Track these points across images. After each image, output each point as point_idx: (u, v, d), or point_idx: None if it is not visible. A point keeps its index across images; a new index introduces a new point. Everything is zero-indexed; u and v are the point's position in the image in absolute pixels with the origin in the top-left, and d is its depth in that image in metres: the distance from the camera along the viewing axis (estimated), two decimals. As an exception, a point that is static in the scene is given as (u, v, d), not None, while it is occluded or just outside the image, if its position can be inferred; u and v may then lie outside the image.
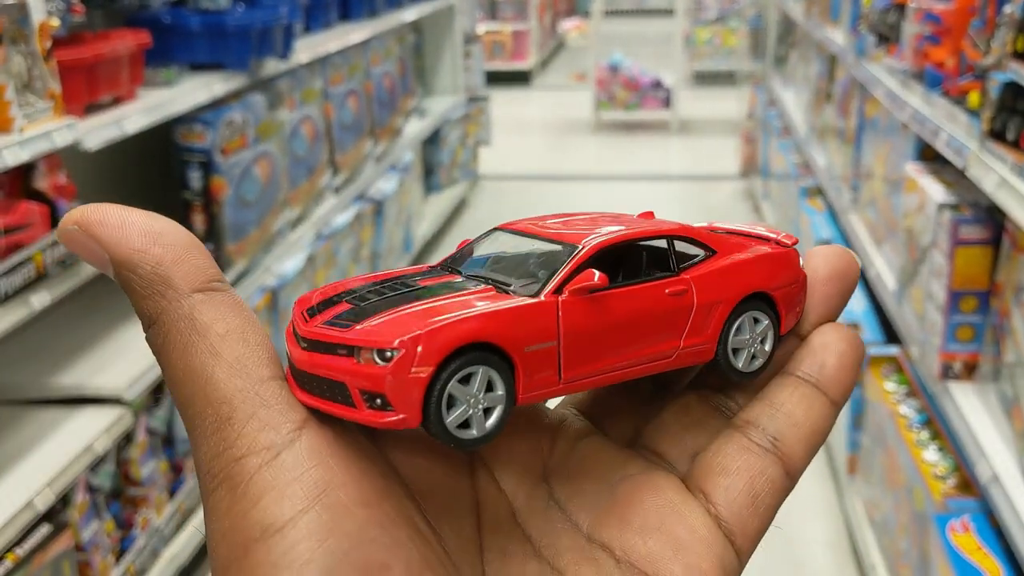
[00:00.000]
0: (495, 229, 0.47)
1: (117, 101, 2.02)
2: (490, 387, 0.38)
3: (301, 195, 2.96)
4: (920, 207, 2.02)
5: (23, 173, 1.74)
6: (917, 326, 2.06)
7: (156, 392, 2.11)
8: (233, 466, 0.36)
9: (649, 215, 0.48)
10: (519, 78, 9.74)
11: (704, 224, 0.49)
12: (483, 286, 0.41)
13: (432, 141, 4.94)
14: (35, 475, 1.66)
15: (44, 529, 1.66)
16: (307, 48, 2.92)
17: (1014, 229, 1.69)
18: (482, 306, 0.38)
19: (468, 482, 0.43)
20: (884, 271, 2.48)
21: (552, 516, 0.43)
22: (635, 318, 0.42)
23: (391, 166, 4.01)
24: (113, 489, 1.95)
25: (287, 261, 2.79)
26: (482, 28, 8.77)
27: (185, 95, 2.19)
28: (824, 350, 0.45)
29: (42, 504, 1.63)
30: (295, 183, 2.90)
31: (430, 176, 5.01)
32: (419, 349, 0.36)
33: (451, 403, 0.37)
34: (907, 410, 2.20)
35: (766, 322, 0.46)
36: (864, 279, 2.65)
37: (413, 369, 0.36)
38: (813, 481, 2.82)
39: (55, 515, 1.71)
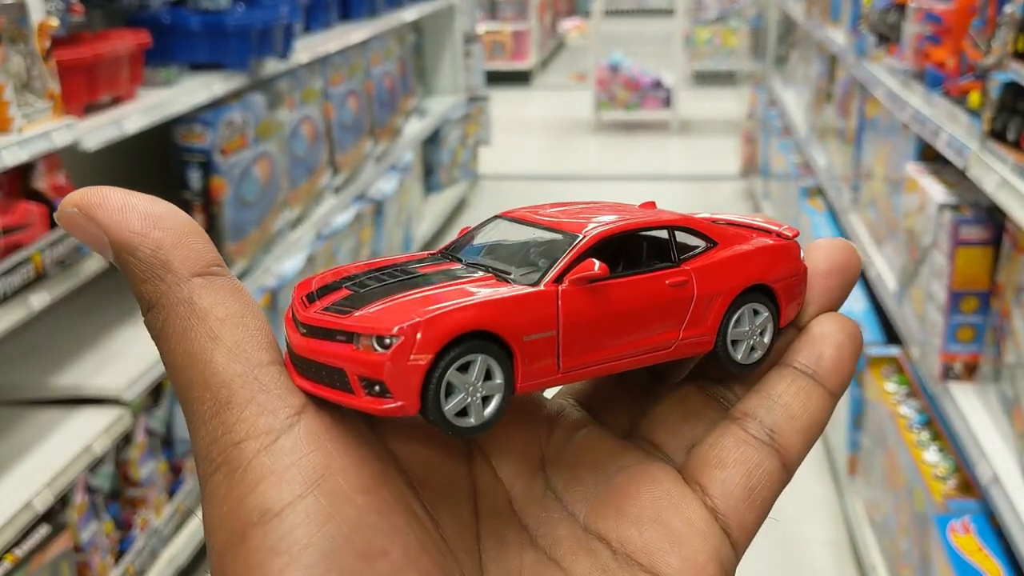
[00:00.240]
0: (496, 217, 0.47)
1: (116, 101, 2.02)
2: (489, 375, 0.38)
3: (301, 195, 2.96)
4: (921, 207, 2.02)
5: (22, 173, 1.73)
6: (917, 326, 2.06)
7: (155, 393, 2.10)
8: (231, 450, 0.36)
9: (650, 205, 0.48)
10: (519, 78, 9.73)
11: (706, 215, 0.49)
12: (483, 274, 0.41)
13: (432, 141, 4.93)
14: (34, 476, 1.66)
15: (43, 530, 1.65)
16: (307, 48, 2.92)
17: (1015, 229, 1.68)
18: (482, 294, 0.38)
19: (466, 469, 0.43)
20: (884, 271, 2.48)
21: (549, 505, 0.43)
22: (635, 308, 0.42)
23: (391, 166, 4.01)
24: (112, 490, 1.95)
25: (287, 261, 2.78)
26: (482, 28, 8.77)
27: (185, 95, 2.18)
28: (822, 340, 0.45)
29: (41, 505, 1.62)
30: (295, 183, 2.90)
31: (430, 176, 5.01)
32: (418, 336, 0.36)
33: (449, 391, 0.37)
34: (907, 411, 2.20)
35: (766, 314, 0.46)
36: (864, 279, 2.65)
37: (412, 356, 0.36)
38: (813, 481, 2.81)
39: (54, 516, 1.71)
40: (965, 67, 1.90)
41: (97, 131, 1.83)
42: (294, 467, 0.35)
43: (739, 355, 0.45)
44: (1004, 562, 1.68)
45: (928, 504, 1.86)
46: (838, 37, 3.44)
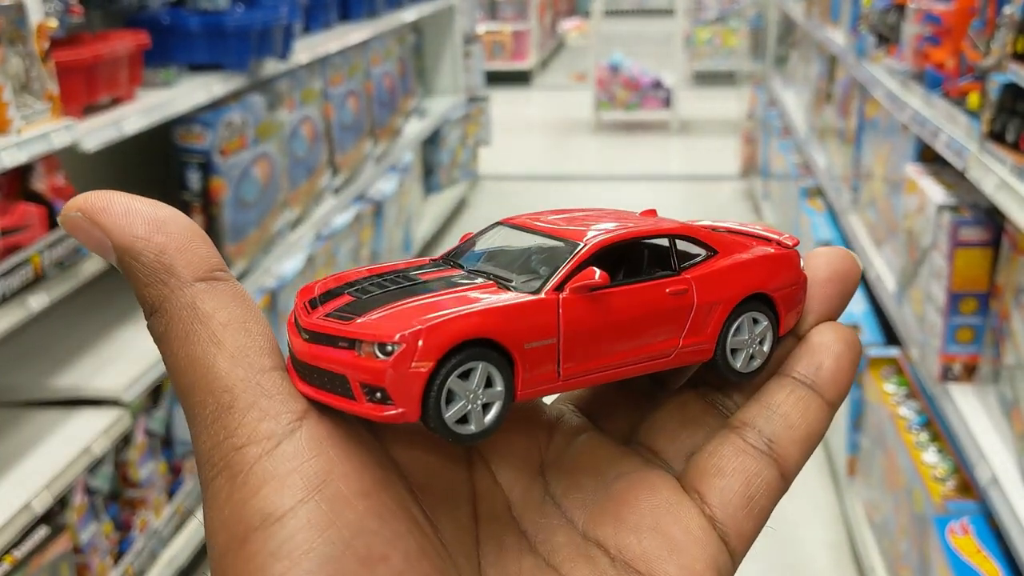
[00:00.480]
0: (498, 224, 0.47)
1: (116, 102, 2.02)
2: (489, 383, 0.38)
3: (301, 196, 2.96)
4: (920, 208, 2.02)
5: (21, 174, 1.73)
6: (917, 328, 2.06)
7: (155, 393, 2.10)
8: (233, 455, 0.36)
9: (652, 213, 0.48)
10: (519, 78, 9.73)
11: (706, 223, 0.49)
12: (484, 281, 0.41)
13: (432, 141, 4.93)
14: (33, 477, 1.66)
15: (42, 531, 1.65)
16: (307, 48, 2.92)
17: (1014, 231, 1.68)
18: (483, 302, 0.39)
19: (465, 475, 0.43)
20: (884, 272, 2.48)
21: (548, 511, 0.43)
22: (635, 316, 0.42)
23: (391, 166, 4.01)
24: (111, 491, 1.95)
25: (287, 262, 2.78)
26: (482, 28, 8.77)
27: (184, 96, 2.18)
28: (821, 350, 0.45)
29: (40, 506, 1.62)
30: (295, 184, 2.90)
31: (430, 176, 5.01)
32: (420, 344, 0.36)
33: (450, 398, 0.38)
34: (907, 412, 2.20)
35: (765, 323, 0.46)
36: (864, 280, 2.65)
37: (413, 363, 0.36)
38: (813, 483, 2.81)
39: (53, 517, 1.71)
40: (964, 68, 1.90)
41: (96, 132, 1.83)
42: (295, 472, 0.35)
43: (738, 363, 0.46)
44: (1003, 563, 1.68)
45: (927, 505, 1.86)
46: (838, 37, 3.44)
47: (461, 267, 0.44)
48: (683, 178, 6.32)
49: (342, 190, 3.38)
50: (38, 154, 1.62)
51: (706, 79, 9.30)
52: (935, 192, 1.95)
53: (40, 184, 1.76)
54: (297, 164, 2.91)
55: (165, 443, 2.16)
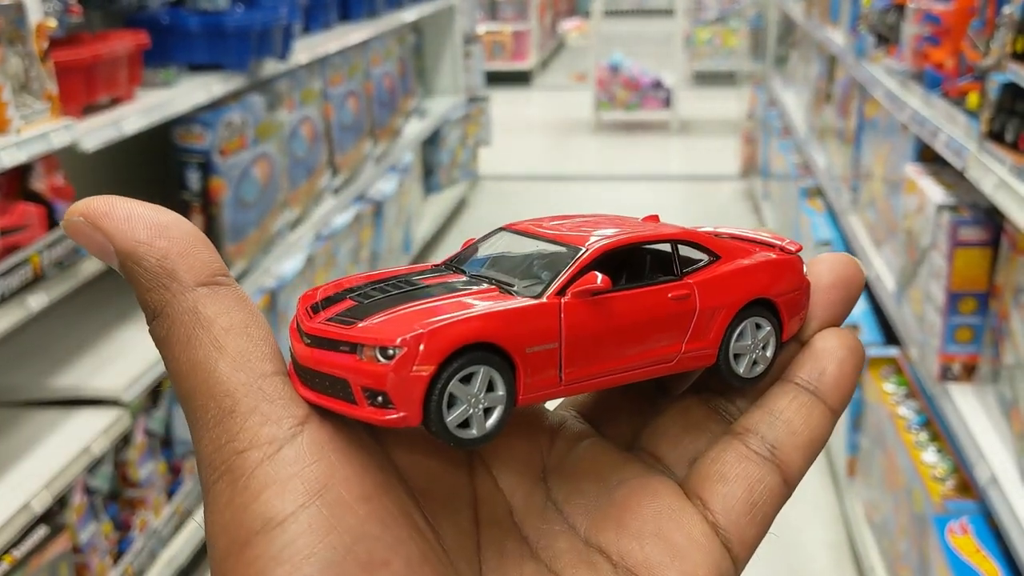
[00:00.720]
0: (500, 229, 0.47)
1: (115, 102, 2.02)
2: (491, 387, 0.38)
3: (300, 196, 2.96)
4: (919, 208, 2.02)
5: (20, 174, 1.73)
6: (916, 327, 2.06)
7: (154, 393, 2.10)
8: (235, 459, 0.36)
9: (654, 219, 0.48)
10: (519, 78, 9.73)
11: (709, 229, 0.49)
12: (486, 286, 0.41)
13: (432, 141, 4.93)
14: (32, 477, 1.66)
15: (41, 531, 1.65)
16: (306, 49, 2.92)
17: (1013, 231, 1.68)
18: (485, 306, 0.39)
19: (467, 480, 0.43)
20: (884, 272, 2.48)
21: (550, 517, 0.43)
22: (637, 321, 0.42)
23: (391, 167, 4.01)
24: (111, 491, 1.95)
25: (286, 262, 2.78)
26: (482, 28, 8.77)
27: (184, 96, 2.18)
28: (825, 356, 0.45)
29: (39, 506, 1.63)
30: (294, 184, 2.90)
31: (430, 176, 5.01)
32: (421, 348, 0.36)
33: (452, 402, 0.38)
34: (906, 411, 2.20)
35: (768, 328, 0.46)
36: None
37: (415, 367, 0.36)
38: (813, 483, 2.81)
39: (52, 517, 1.71)
40: (964, 68, 1.90)
41: (96, 132, 1.83)
42: (297, 477, 0.35)
43: (741, 369, 0.46)
44: (1002, 563, 1.68)
45: (926, 505, 1.86)
46: (837, 37, 3.44)
47: (463, 272, 0.44)
48: (683, 178, 6.32)
49: (342, 190, 3.38)
50: (37, 154, 1.62)
51: (706, 79, 9.30)
52: (934, 192, 1.95)
53: (39, 184, 1.76)
54: (297, 164, 2.91)
55: (165, 443, 2.16)
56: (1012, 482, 1.58)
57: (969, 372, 1.87)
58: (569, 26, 12.29)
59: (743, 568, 0.42)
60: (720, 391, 0.47)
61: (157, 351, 0.39)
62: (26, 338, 2.05)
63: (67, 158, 1.92)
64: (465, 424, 0.38)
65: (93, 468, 1.86)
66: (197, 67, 2.37)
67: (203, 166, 2.33)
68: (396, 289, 0.41)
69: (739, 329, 0.45)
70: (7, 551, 1.57)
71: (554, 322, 0.40)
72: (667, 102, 7.53)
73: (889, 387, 2.32)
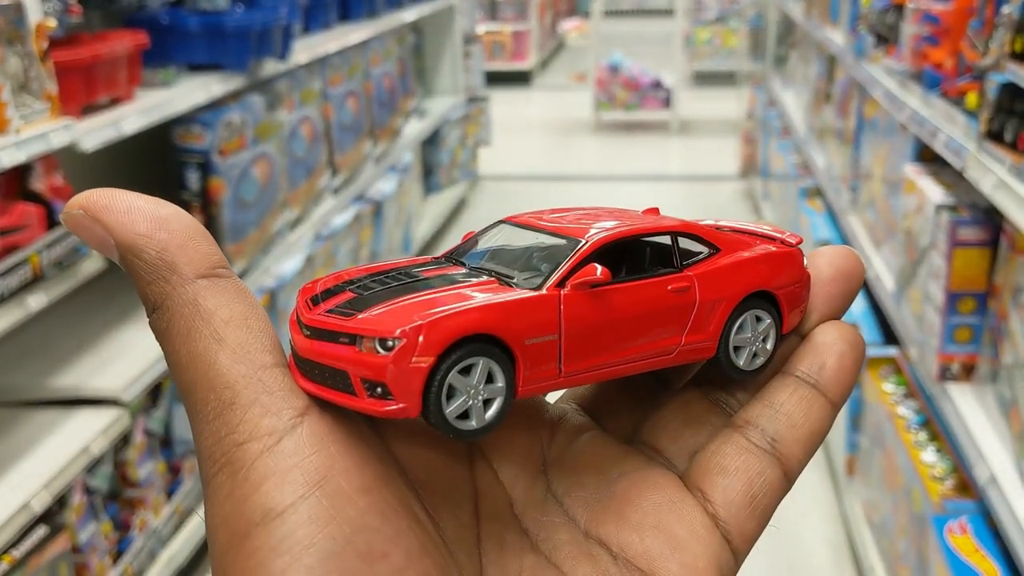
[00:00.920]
0: (500, 222, 0.47)
1: (115, 102, 2.02)
2: (490, 379, 0.39)
3: (300, 196, 2.96)
4: (919, 208, 2.02)
5: (20, 174, 1.73)
6: (915, 327, 2.06)
7: (154, 393, 2.11)
8: (235, 451, 0.36)
9: (654, 212, 0.48)
10: (519, 78, 9.73)
11: (709, 222, 0.49)
12: (486, 278, 0.41)
13: (432, 141, 4.93)
14: (32, 477, 1.66)
15: (41, 531, 1.65)
16: (306, 49, 2.92)
17: (1012, 231, 1.68)
18: (484, 298, 0.39)
19: (467, 472, 0.43)
20: (883, 272, 2.48)
21: (550, 509, 0.43)
22: (637, 314, 0.42)
23: (390, 167, 4.01)
24: (110, 490, 1.95)
25: (286, 262, 2.79)
26: (482, 28, 8.77)
27: (183, 96, 2.18)
28: (825, 349, 0.45)
29: (39, 506, 1.63)
30: (294, 184, 2.90)
31: (430, 176, 5.01)
32: (420, 339, 0.36)
33: (451, 394, 0.38)
34: (905, 411, 2.20)
35: (768, 321, 0.46)
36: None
37: (414, 359, 0.36)
38: (812, 482, 2.81)
39: (52, 517, 1.71)
40: (963, 68, 1.90)
41: (95, 132, 1.83)
42: (296, 468, 0.35)
43: (741, 361, 0.46)
44: (1001, 563, 1.68)
45: (926, 505, 1.87)
46: (837, 38, 3.44)
47: (463, 265, 0.44)
48: (683, 178, 6.32)
49: (341, 190, 3.38)
50: (37, 154, 1.62)
51: (706, 79, 9.30)
52: (934, 192, 1.95)
53: (39, 184, 1.76)
54: (296, 164, 2.91)
55: (164, 443, 2.16)
56: (1011, 482, 1.58)
57: (968, 372, 1.87)
58: (569, 26, 12.29)
59: (743, 561, 0.42)
60: (720, 384, 0.48)
61: (156, 351, 0.39)
62: (26, 338, 2.05)
63: (66, 158, 1.92)
64: (464, 415, 0.38)
65: (93, 468, 1.86)
66: (197, 67, 2.37)
67: (202, 166, 2.33)
68: (396, 281, 0.41)
69: (739, 322, 0.45)
70: (6, 551, 1.57)
71: (553, 314, 0.40)
72: (667, 102, 7.53)
73: (888, 387, 2.32)
